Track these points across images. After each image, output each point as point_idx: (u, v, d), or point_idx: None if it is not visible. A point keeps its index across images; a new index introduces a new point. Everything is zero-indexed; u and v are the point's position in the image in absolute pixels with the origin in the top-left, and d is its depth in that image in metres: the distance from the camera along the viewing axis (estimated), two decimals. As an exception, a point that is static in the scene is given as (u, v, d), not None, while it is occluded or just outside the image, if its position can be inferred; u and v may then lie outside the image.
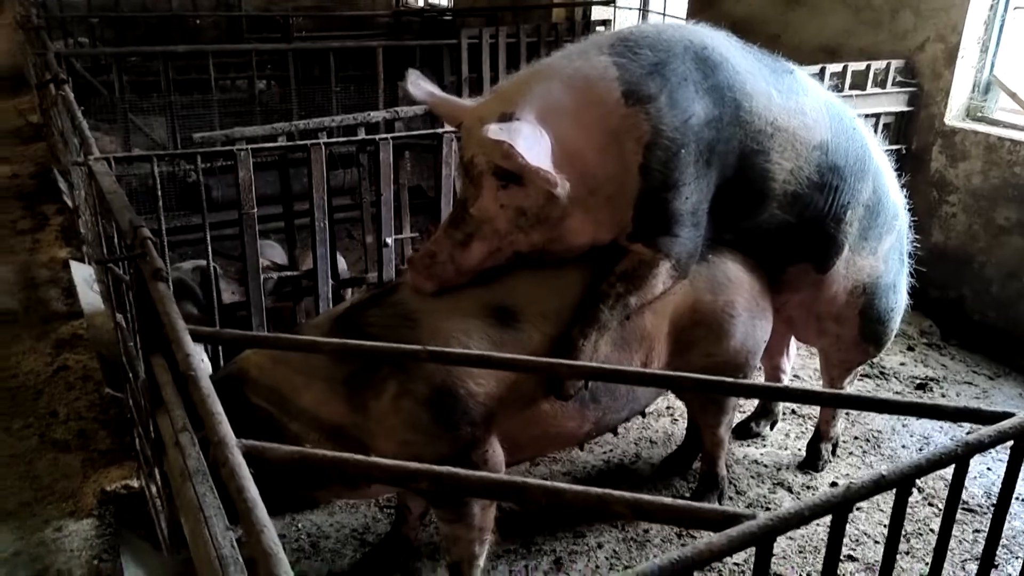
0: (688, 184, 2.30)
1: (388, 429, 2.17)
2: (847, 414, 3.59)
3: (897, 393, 3.97)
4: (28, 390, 3.70)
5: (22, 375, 3.82)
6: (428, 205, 3.75)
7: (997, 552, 2.86)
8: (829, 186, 2.60)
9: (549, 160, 2.11)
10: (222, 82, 6.35)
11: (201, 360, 2.84)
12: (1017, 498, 3.18)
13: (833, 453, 3.40)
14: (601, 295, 2.35)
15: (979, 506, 3.14)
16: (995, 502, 3.22)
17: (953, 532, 2.97)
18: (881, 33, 4.71)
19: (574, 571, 2.77)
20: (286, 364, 2.19)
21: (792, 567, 2.82)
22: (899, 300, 3.04)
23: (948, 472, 3.55)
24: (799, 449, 3.46)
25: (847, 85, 4.20)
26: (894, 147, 4.48)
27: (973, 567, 2.82)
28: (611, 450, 3.44)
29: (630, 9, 7.43)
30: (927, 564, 2.87)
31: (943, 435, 3.59)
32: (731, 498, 3.15)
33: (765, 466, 3.38)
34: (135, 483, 3.03)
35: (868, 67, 4.31)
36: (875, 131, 4.36)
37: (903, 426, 3.66)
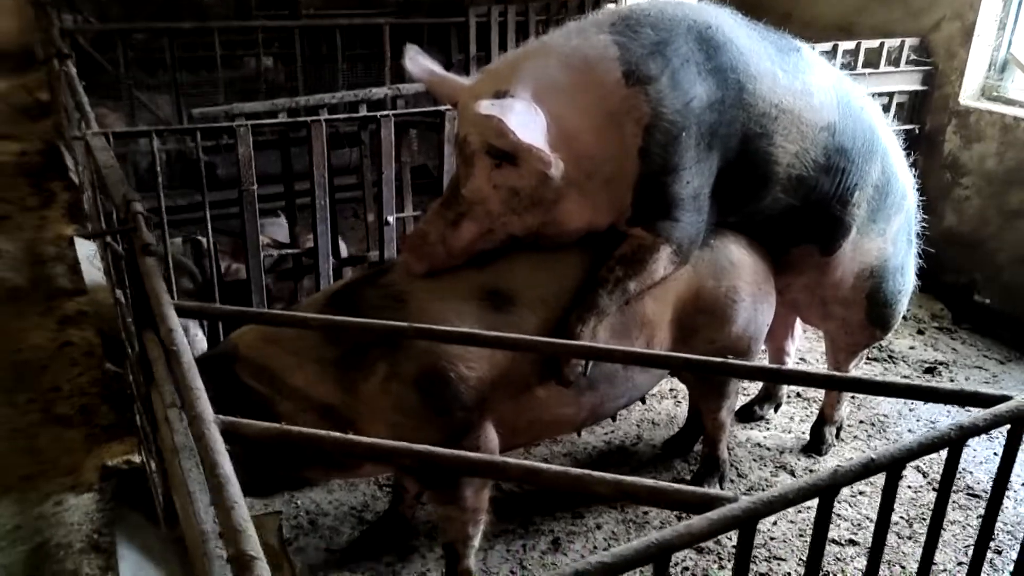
0: (689, 168, 2.26)
1: (378, 411, 2.16)
2: (853, 398, 3.55)
3: (905, 377, 3.92)
4: (33, 365, 3.71)
5: (27, 350, 3.83)
6: (434, 184, 3.71)
7: (1002, 539, 2.84)
8: (836, 168, 2.55)
9: (543, 139, 2.06)
10: (235, 61, 6.32)
11: (196, 336, 2.83)
12: None
13: (837, 437, 3.37)
14: (600, 280, 2.31)
15: (984, 491, 3.10)
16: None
17: (957, 518, 2.96)
18: (895, 10, 4.61)
19: (572, 551, 2.77)
20: (278, 343, 2.17)
21: (792, 550, 2.79)
22: (907, 282, 2.99)
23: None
24: (803, 433, 3.43)
25: (860, 63, 4.12)
26: (907, 127, 4.40)
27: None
28: (612, 431, 3.42)
29: (642, -13, 7.32)
30: (929, 549, 2.84)
31: (951, 420, 3.54)
32: (732, 481, 3.13)
33: (768, 449, 3.35)
34: (136, 458, 3.04)
35: (882, 45, 4.23)
36: (888, 111, 4.29)
37: (910, 410, 3.62)
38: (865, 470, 1.17)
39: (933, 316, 4.45)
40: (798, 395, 3.72)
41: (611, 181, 2.23)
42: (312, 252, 3.22)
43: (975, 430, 1.26)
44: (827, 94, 2.50)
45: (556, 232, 2.30)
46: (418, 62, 2.36)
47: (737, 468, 3.20)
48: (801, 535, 2.87)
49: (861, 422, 3.54)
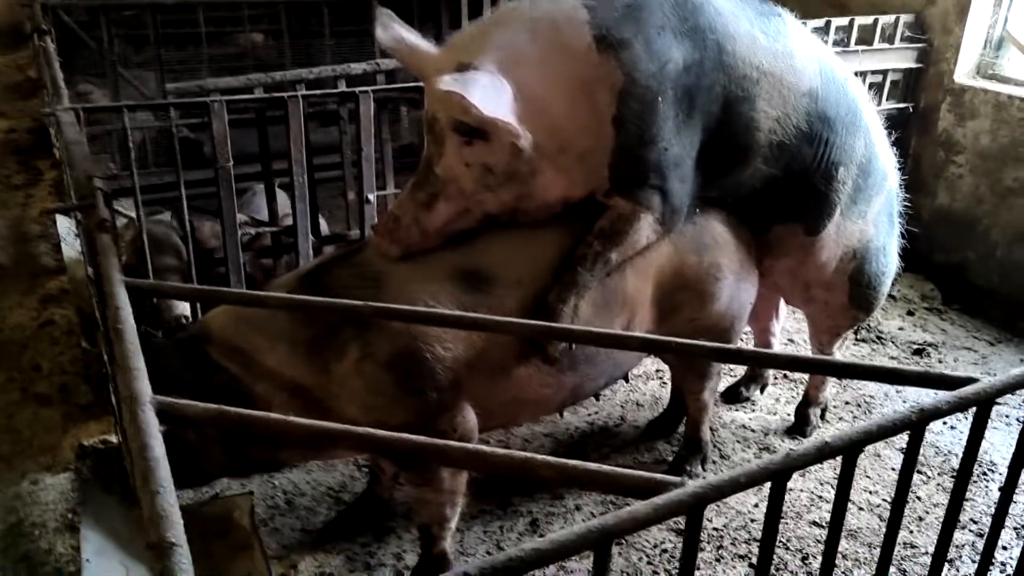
0: (667, 136, 2.19)
1: (351, 393, 2.13)
2: (839, 379, 3.52)
3: (893, 358, 3.89)
4: (14, 344, 3.68)
5: (8, 329, 3.80)
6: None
7: (984, 522, 2.81)
8: (819, 138, 2.49)
9: (511, 112, 2.00)
10: (224, 37, 6.24)
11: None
12: None
13: (822, 418, 3.34)
14: (578, 258, 2.27)
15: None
16: (985, 471, 3.15)
17: (941, 501, 2.93)
18: (891, -14, 4.53)
19: (550, 533, 2.74)
20: (249, 324, 2.14)
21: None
22: (889, 263, 2.94)
23: (939, 439, 3.44)
24: (788, 414, 3.40)
25: (853, 40, 4.05)
26: (900, 105, 4.34)
27: (959, 535, 2.76)
28: (596, 412, 3.40)
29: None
30: (911, 532, 2.82)
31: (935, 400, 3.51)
32: (715, 462, 3.10)
33: (752, 431, 3.32)
34: (113, 438, 3.02)
35: (876, 21, 4.15)
36: (882, 89, 4.22)
37: (896, 392, 3.58)
38: (820, 453, 1.14)
39: (923, 296, 4.40)
40: (785, 376, 3.69)
41: (587, 152, 2.17)
42: (291, 230, 3.18)
43: (937, 413, 1.23)
44: (809, 59, 2.43)
45: (533, 207, 2.25)
46: (391, 29, 2.21)
47: (719, 449, 3.18)
48: (783, 518, 2.84)
49: (847, 403, 3.52)
